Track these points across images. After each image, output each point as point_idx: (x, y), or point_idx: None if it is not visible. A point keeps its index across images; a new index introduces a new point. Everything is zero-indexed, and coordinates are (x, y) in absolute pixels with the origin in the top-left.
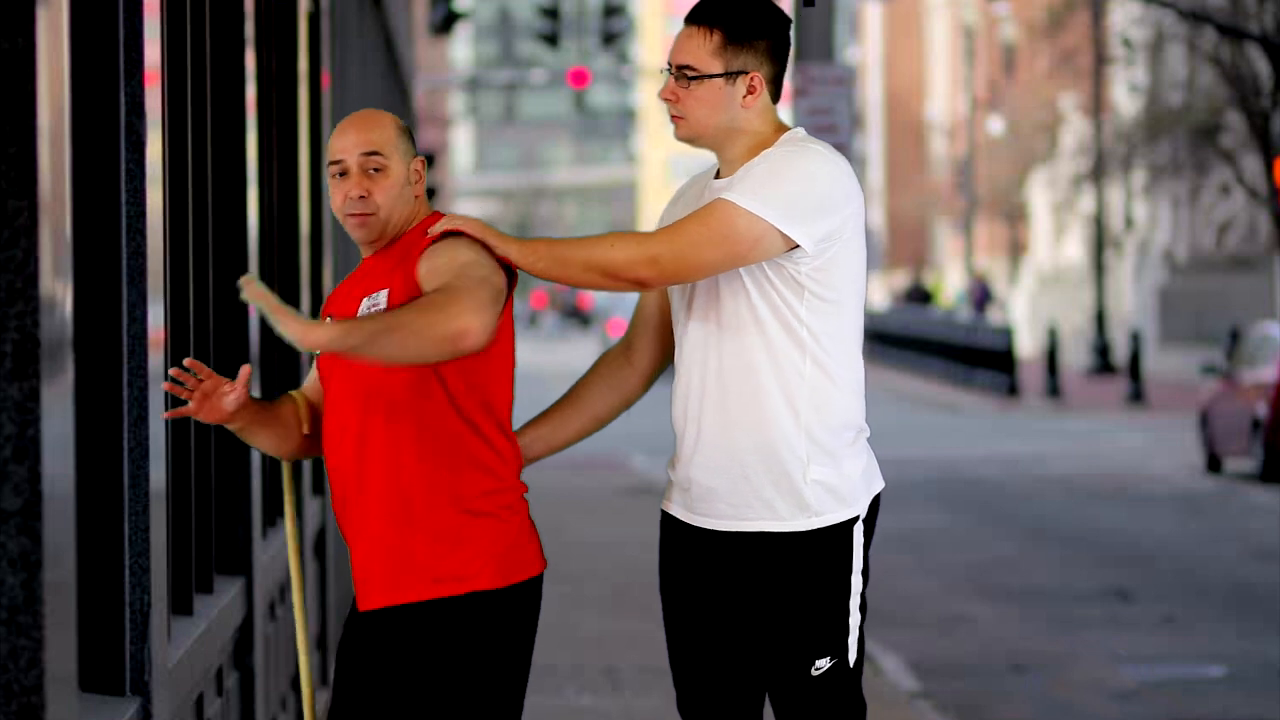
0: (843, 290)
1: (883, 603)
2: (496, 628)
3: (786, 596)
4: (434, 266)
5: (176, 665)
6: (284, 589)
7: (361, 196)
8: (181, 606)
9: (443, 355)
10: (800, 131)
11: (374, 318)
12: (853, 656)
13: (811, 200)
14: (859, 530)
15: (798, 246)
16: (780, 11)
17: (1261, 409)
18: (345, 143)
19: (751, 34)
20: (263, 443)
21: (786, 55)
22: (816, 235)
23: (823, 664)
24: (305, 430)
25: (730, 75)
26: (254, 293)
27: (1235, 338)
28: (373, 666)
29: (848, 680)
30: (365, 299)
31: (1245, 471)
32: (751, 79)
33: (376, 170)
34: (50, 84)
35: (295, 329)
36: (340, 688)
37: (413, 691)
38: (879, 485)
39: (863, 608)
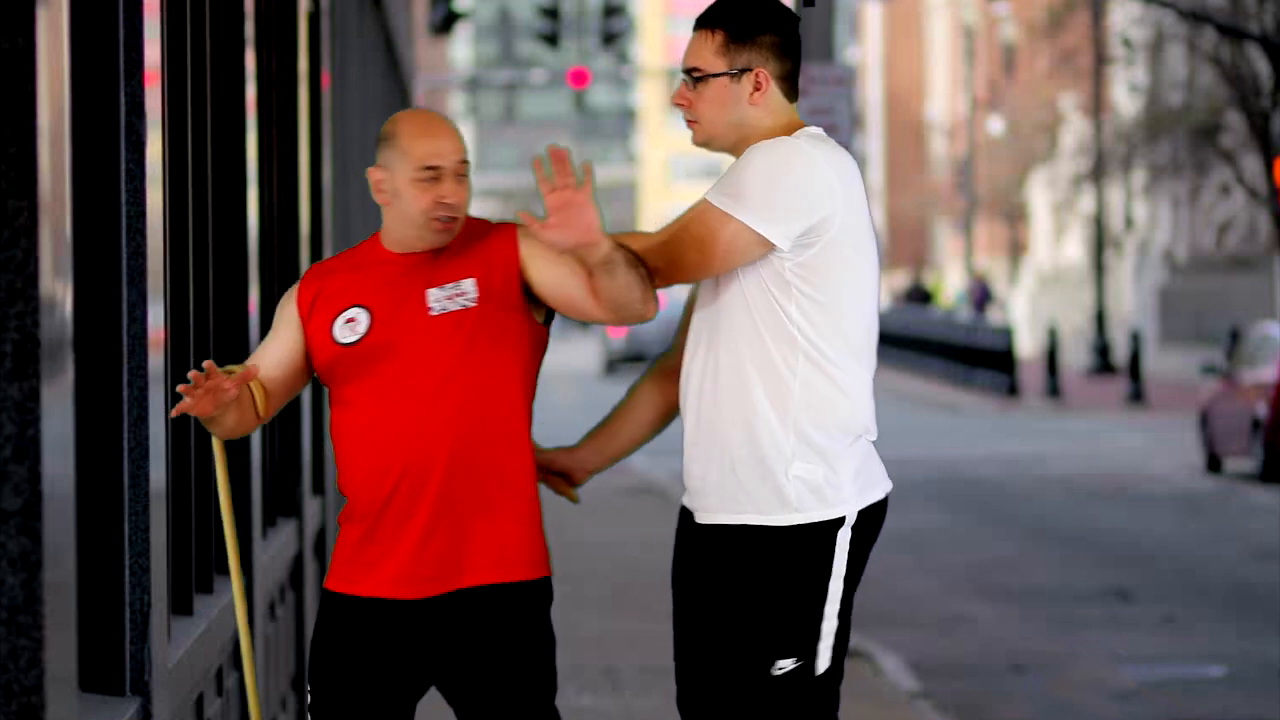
0: (837, 290)
1: (883, 603)
2: (548, 613)
3: (759, 589)
4: (549, 252)
5: (176, 665)
6: (284, 589)
7: (456, 203)
8: (181, 606)
9: (644, 312)
10: (812, 130)
11: (615, 246)
12: (821, 664)
13: (784, 196)
14: (844, 534)
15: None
16: (785, 9)
17: (1261, 409)
18: (443, 147)
19: (754, 30)
20: (223, 427)
21: (796, 52)
22: (792, 232)
23: (785, 664)
24: (263, 414)
25: (735, 73)
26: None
27: (1235, 338)
28: (464, 645)
29: (807, 688)
30: (434, 289)
31: (1245, 471)
32: (757, 75)
33: (463, 177)
34: (50, 84)
35: (593, 228)
36: (382, 675)
37: (505, 668)
38: (877, 494)
39: (843, 616)
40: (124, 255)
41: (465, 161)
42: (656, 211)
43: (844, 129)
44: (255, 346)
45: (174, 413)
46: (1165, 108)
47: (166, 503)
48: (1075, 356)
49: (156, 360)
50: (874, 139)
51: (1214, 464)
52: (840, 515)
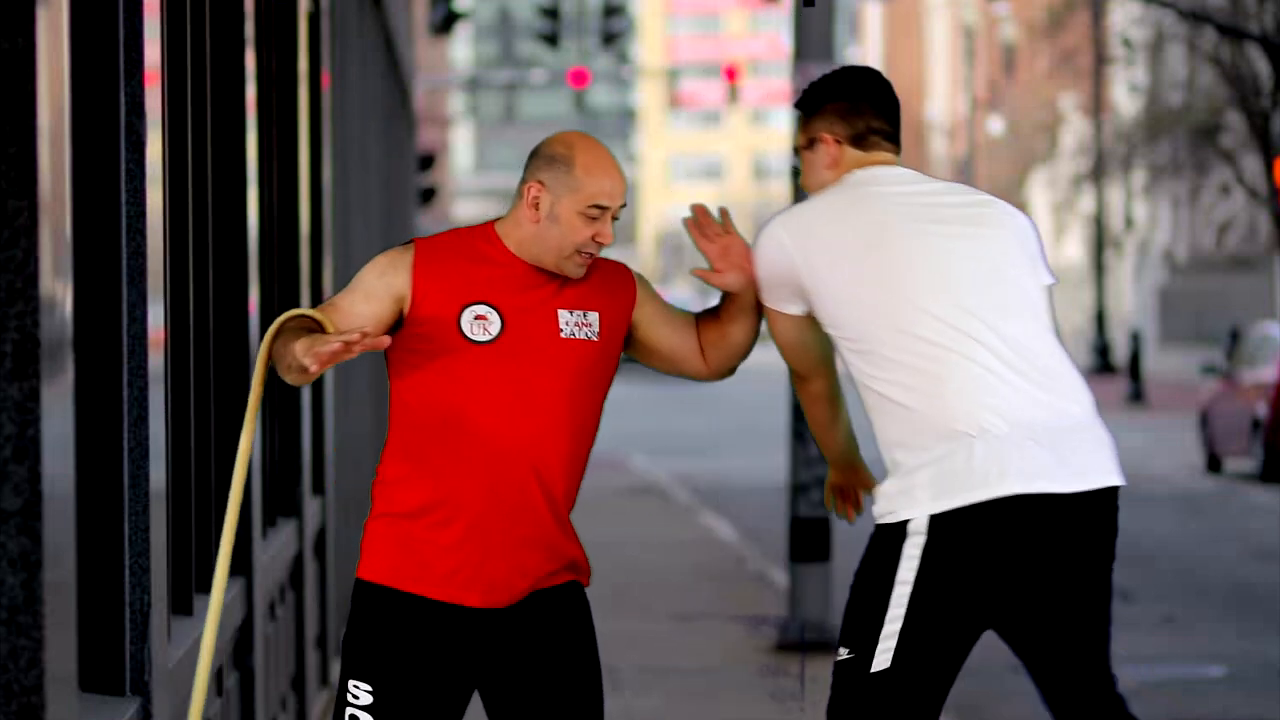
0: (859, 326)
1: None
2: None
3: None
4: (671, 310)
5: (176, 665)
6: (284, 589)
7: (608, 243)
8: (181, 606)
9: (736, 361)
10: (848, 177)
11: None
12: (877, 663)
13: (764, 274)
14: (913, 542)
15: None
16: (856, 76)
17: (1261, 409)
18: (616, 189)
19: (817, 103)
20: (309, 378)
21: (879, 107)
22: (783, 297)
23: (843, 653)
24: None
25: (810, 144)
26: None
27: (1235, 338)
28: (537, 642)
29: (859, 682)
30: (565, 311)
31: (1245, 471)
32: (824, 140)
33: (616, 218)
34: (50, 84)
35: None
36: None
37: (576, 662)
38: (969, 497)
39: (914, 617)
40: (124, 255)
41: (624, 206)
42: (657, 211)
43: None
44: (255, 346)
45: (318, 365)
46: (1165, 108)
47: (166, 503)
48: (1075, 356)
49: (156, 360)
50: None
51: (1214, 464)
52: (902, 520)
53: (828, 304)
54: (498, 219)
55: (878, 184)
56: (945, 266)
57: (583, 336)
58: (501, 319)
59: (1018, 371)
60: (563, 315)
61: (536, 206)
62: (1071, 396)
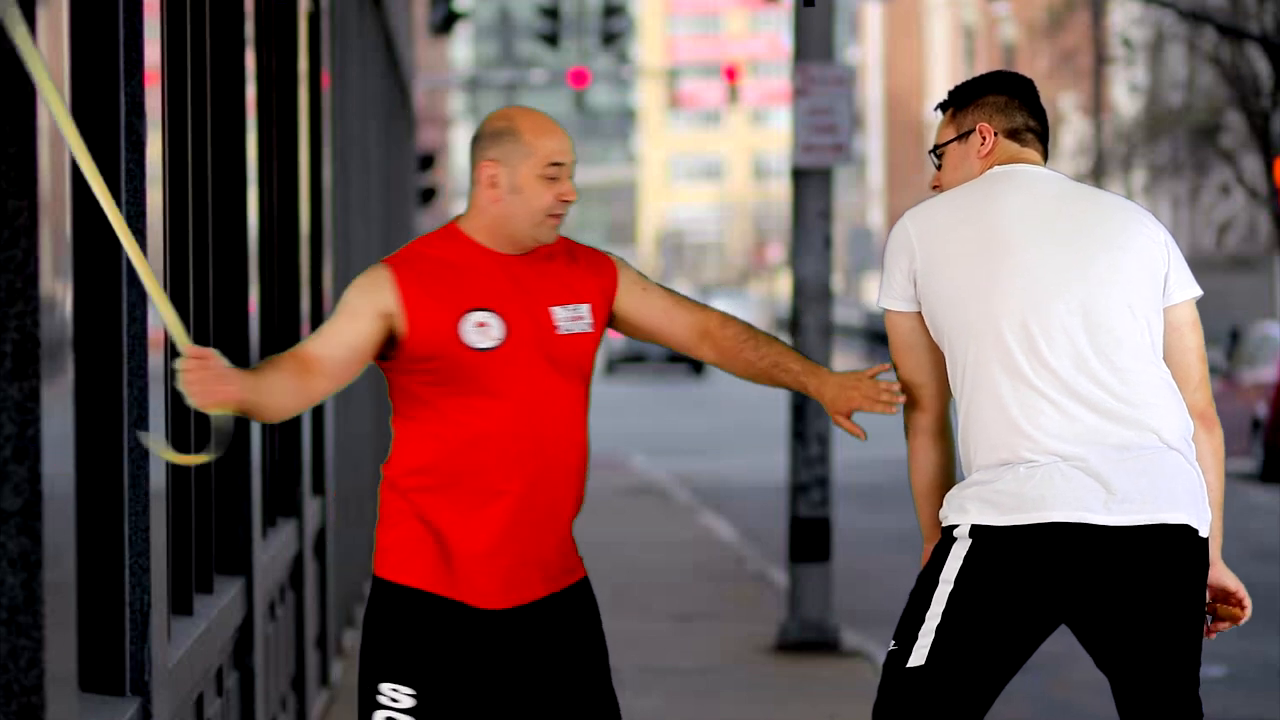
0: (947, 335)
1: (883, 603)
2: None
3: None
4: (669, 294)
5: (176, 665)
6: (284, 589)
7: (573, 200)
8: (181, 606)
9: (724, 367)
10: (991, 171)
11: None
12: (914, 658)
13: (888, 270)
14: (959, 546)
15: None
16: (1015, 77)
17: (1261, 409)
18: (564, 145)
19: (975, 95)
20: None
21: (1028, 112)
22: (904, 295)
23: (892, 645)
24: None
25: (962, 136)
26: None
27: (1235, 338)
28: (552, 648)
29: (896, 674)
30: (558, 308)
31: (1245, 471)
32: (980, 130)
33: (572, 176)
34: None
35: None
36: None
37: (586, 660)
38: (1009, 518)
39: (950, 618)
40: (124, 255)
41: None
42: (656, 211)
43: (844, 129)
44: (255, 346)
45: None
46: (1165, 108)
47: (166, 503)
48: None
49: (156, 360)
50: (874, 139)
51: None
52: (952, 524)
53: (932, 306)
54: (458, 217)
55: (1013, 180)
56: (1032, 283)
57: (578, 330)
58: (503, 323)
59: (1080, 399)
60: (556, 312)
61: (495, 184)
62: (1153, 424)
